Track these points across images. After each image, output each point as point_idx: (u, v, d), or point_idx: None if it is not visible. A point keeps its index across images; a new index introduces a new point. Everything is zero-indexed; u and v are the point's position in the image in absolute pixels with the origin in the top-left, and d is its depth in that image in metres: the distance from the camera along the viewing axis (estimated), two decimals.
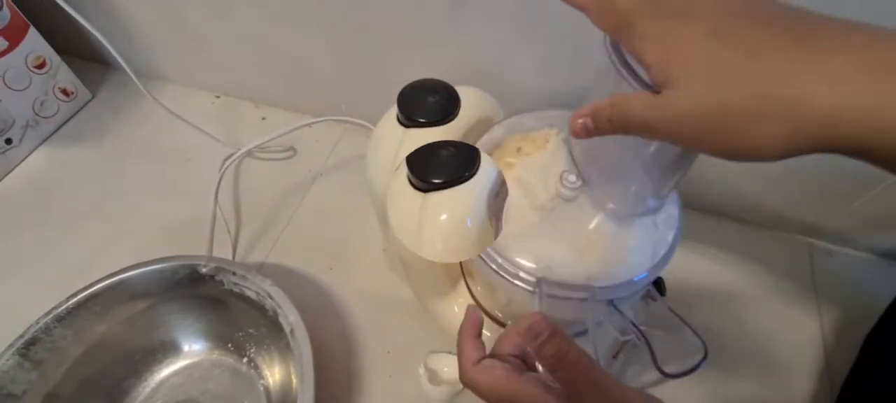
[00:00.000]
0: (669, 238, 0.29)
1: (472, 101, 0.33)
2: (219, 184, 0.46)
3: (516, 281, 0.28)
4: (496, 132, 0.34)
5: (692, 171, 0.27)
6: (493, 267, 0.29)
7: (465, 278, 0.40)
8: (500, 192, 0.28)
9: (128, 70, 0.50)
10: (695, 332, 0.30)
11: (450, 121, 0.31)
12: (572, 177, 0.29)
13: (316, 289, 0.46)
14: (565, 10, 0.22)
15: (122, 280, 0.37)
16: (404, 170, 0.28)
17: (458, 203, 0.27)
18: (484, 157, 0.28)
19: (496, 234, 0.28)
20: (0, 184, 0.53)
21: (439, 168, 0.27)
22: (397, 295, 0.44)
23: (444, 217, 0.27)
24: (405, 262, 0.37)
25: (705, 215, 0.50)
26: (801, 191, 0.45)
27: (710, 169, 0.45)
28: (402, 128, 0.31)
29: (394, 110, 0.32)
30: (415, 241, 0.27)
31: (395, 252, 0.38)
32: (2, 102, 0.52)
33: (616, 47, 0.21)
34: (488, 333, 0.38)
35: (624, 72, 0.21)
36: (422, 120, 0.30)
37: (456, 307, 0.40)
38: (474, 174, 0.27)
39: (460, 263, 0.39)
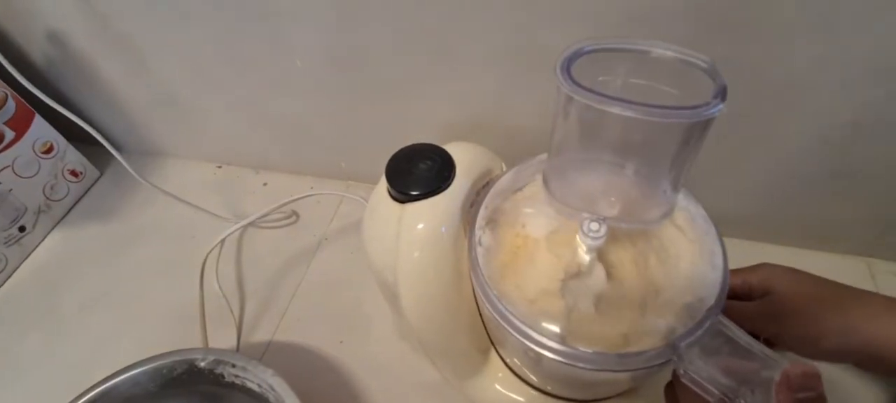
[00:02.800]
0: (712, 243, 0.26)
1: (466, 159, 0.30)
2: (202, 268, 0.43)
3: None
4: (499, 191, 0.30)
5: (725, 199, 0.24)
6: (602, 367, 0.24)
7: (494, 347, 0.36)
8: (474, 202, 0.30)
9: (122, 161, 0.49)
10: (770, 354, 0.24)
11: (447, 187, 0.28)
12: (595, 225, 0.25)
13: (326, 366, 0.42)
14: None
15: (115, 384, 0.35)
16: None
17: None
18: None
19: (469, 243, 0.28)
20: (12, 276, 0.52)
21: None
22: (417, 366, 0.40)
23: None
24: (423, 341, 0.33)
25: (746, 241, 0.45)
26: (854, 205, 0.40)
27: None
28: (397, 203, 0.28)
29: (384, 182, 0.29)
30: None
31: (408, 332, 0.35)
32: (12, 191, 0.52)
33: (567, 71, 0.21)
34: (522, 399, 0.34)
35: (574, 92, 0.21)
36: (415, 192, 0.28)
37: (495, 383, 0.35)
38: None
39: (487, 331, 0.35)
